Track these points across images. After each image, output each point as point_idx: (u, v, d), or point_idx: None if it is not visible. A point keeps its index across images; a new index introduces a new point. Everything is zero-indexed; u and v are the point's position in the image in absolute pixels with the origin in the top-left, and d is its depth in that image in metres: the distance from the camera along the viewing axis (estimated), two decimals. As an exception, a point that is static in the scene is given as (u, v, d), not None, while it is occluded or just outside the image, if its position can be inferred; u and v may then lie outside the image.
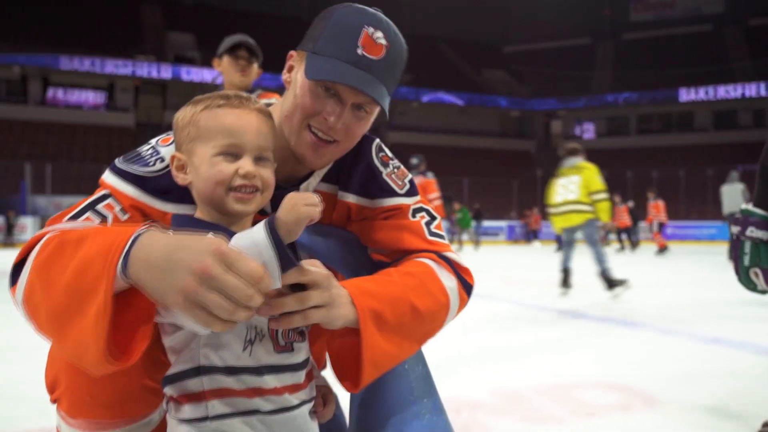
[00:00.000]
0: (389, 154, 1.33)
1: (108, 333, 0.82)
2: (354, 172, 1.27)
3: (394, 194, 1.27)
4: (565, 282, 6.42)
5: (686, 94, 33.45)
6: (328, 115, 1.10)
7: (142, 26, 33.45)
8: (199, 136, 0.99)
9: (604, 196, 6.20)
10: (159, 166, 1.11)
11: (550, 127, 38.73)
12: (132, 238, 0.84)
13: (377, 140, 1.32)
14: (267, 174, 1.01)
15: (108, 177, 1.11)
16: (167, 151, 1.11)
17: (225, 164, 0.97)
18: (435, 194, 8.51)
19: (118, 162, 1.13)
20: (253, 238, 0.85)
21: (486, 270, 10.19)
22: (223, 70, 3.23)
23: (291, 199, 0.88)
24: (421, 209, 1.30)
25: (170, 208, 1.09)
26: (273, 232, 0.85)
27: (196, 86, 30.07)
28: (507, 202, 28.72)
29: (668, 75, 35.10)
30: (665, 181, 28.35)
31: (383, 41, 1.10)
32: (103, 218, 1.06)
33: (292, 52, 1.19)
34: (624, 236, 17.23)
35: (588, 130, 37.69)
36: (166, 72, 29.39)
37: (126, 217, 1.07)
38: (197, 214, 1.02)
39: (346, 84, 1.07)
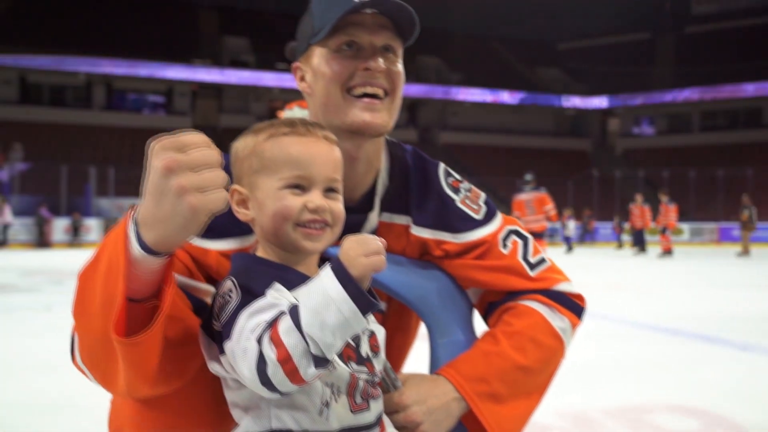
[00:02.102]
0: (457, 176, 1.27)
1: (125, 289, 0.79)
2: (425, 203, 1.19)
3: (475, 223, 1.19)
4: None
5: (753, 89, 31.91)
6: (364, 63, 1.06)
7: (199, 32, 34.30)
8: (263, 167, 0.91)
9: None
10: None
11: (607, 125, 37.64)
12: (131, 216, 0.81)
13: (442, 165, 1.26)
14: (337, 207, 0.92)
15: None
16: None
17: (292, 198, 0.88)
18: (550, 205, 9.49)
19: None
20: (329, 295, 0.76)
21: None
22: None
23: (349, 250, 0.78)
24: (509, 234, 1.21)
25: (210, 245, 1.04)
26: (348, 283, 0.76)
27: (250, 89, 30.66)
28: (562, 203, 28.04)
29: (733, 69, 33.51)
30: (731, 180, 27.07)
31: None
32: None
33: (295, 65, 1.16)
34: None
35: (647, 128, 36.44)
36: (221, 76, 30.06)
37: None
38: (259, 253, 0.94)
39: (361, 9, 1.02)
